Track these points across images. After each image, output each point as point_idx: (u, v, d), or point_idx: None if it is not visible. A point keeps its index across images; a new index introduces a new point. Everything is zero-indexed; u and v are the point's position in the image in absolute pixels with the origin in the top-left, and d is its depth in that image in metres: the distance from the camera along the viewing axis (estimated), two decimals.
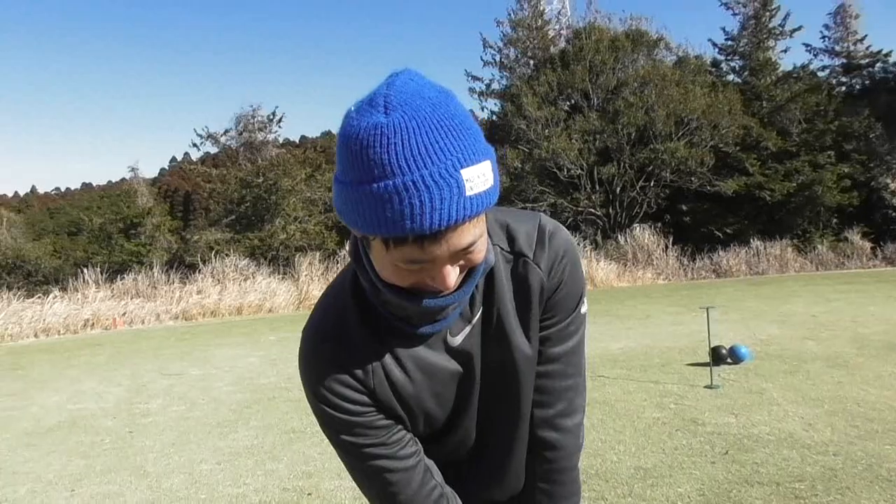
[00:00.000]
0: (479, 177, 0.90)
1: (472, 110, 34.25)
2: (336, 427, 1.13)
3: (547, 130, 26.20)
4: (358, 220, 0.92)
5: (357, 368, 1.09)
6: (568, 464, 1.25)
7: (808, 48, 30.11)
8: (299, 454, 5.24)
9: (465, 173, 0.88)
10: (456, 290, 1.01)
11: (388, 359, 1.10)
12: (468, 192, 0.89)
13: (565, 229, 1.19)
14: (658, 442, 4.89)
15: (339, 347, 1.10)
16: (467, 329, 1.12)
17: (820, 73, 29.60)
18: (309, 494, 4.42)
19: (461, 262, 0.98)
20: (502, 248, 1.13)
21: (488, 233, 1.07)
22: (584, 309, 1.20)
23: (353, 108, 0.93)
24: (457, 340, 1.12)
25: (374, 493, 1.20)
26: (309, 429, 5.90)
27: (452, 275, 0.97)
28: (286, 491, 4.51)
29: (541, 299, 1.14)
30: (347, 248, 1.12)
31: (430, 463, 1.21)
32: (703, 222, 26.15)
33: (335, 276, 1.21)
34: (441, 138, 0.88)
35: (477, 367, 1.15)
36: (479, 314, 1.13)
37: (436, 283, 0.98)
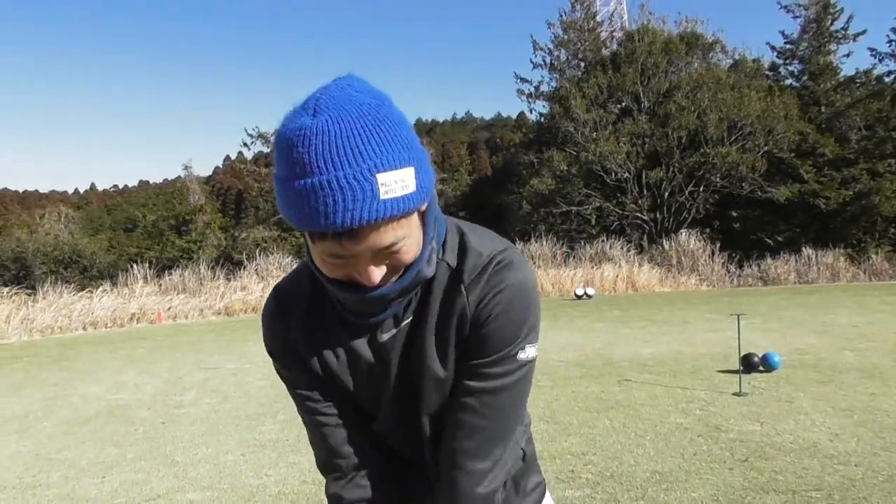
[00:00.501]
0: (397, 182, 0.94)
1: (522, 112, 34.23)
2: (279, 371, 1.28)
3: (595, 133, 25.99)
4: (287, 214, 0.99)
5: (295, 332, 1.21)
6: None
7: (873, 52, 29.15)
8: None
9: (381, 178, 0.93)
10: (390, 284, 1.06)
11: (322, 334, 1.20)
12: (382, 196, 0.93)
13: (526, 270, 1.15)
14: (678, 447, 4.83)
15: (286, 310, 1.23)
16: (394, 331, 1.17)
17: (884, 79, 28.60)
18: None
19: (387, 262, 1.03)
20: (448, 265, 1.15)
21: (444, 246, 1.15)
22: (522, 356, 1.15)
23: (290, 110, 0.99)
24: (384, 338, 1.18)
25: (308, 433, 1.31)
26: None
27: (377, 272, 1.02)
28: (305, 483, 4.60)
29: (459, 328, 1.14)
30: None
31: (363, 429, 1.28)
32: (754, 229, 25.55)
33: None
34: (361, 143, 0.92)
35: (392, 368, 1.19)
36: (408, 320, 1.17)
37: (361, 279, 1.03)
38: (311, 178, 0.92)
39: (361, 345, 1.19)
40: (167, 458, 5.34)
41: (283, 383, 1.31)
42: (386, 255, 1.01)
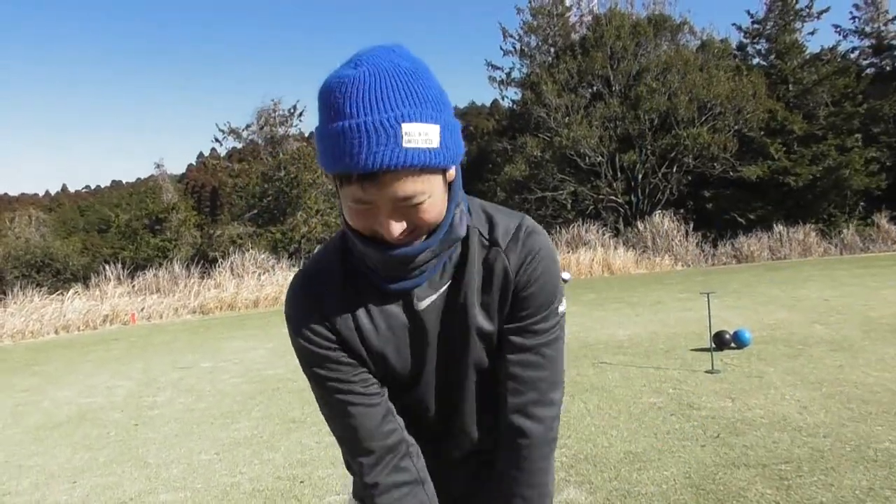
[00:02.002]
0: (421, 134, 1.01)
1: (495, 99, 34.20)
2: (308, 360, 1.25)
3: (567, 118, 26.02)
4: (322, 160, 1.06)
5: (329, 309, 1.22)
6: (537, 453, 1.27)
7: (838, 29, 29.51)
8: (296, 443, 5.30)
9: (406, 127, 1.00)
10: (416, 244, 1.12)
11: (359, 307, 1.22)
12: (405, 144, 1.00)
13: (545, 235, 1.26)
14: (651, 427, 4.87)
15: (318, 289, 1.23)
16: (433, 296, 1.22)
17: (849, 55, 28.93)
18: (301, 482, 4.48)
19: (409, 218, 1.08)
20: (481, 233, 1.23)
21: (470, 215, 1.23)
22: (561, 308, 1.26)
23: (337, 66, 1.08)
24: (422, 305, 1.22)
25: (337, 425, 1.28)
26: (309, 418, 5.96)
27: (396, 227, 1.08)
28: (279, 479, 4.57)
29: (504, 288, 1.22)
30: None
31: (393, 410, 1.29)
32: (727, 208, 25.78)
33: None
34: (391, 94, 1.01)
35: (433, 332, 1.24)
36: (446, 286, 1.22)
37: (382, 231, 1.08)
38: (343, 121, 1.00)
39: (400, 314, 1.23)
40: (139, 460, 5.27)
41: (299, 380, 1.35)
42: (406, 210, 1.07)
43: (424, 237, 1.12)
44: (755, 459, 4.05)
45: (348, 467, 1.33)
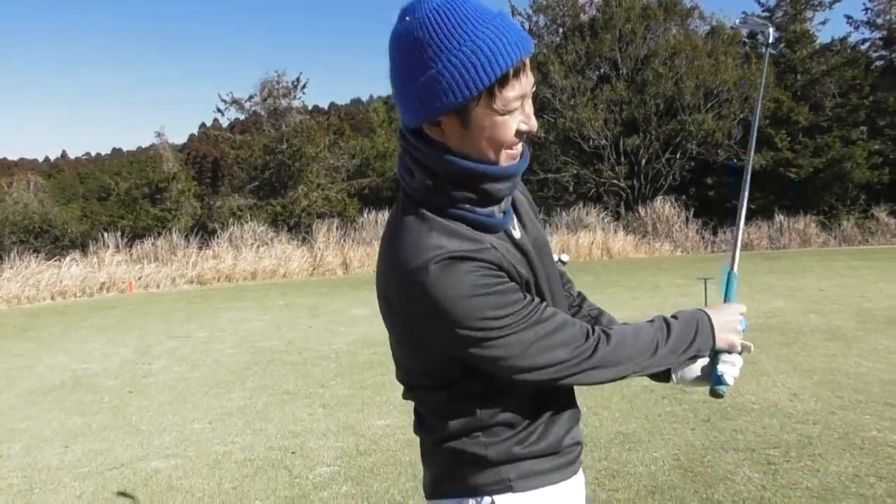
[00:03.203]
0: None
1: None
2: (492, 301, 1.13)
3: (573, 100, 25.84)
4: (476, 68, 1.07)
5: (481, 247, 1.15)
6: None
7: (849, 20, 29.19)
8: (289, 415, 5.34)
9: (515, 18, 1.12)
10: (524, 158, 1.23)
11: (495, 241, 1.19)
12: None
13: None
14: (643, 409, 4.90)
15: (461, 241, 1.14)
16: (518, 227, 1.30)
17: (859, 47, 28.69)
18: (293, 453, 4.51)
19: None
20: None
21: None
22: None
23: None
24: (517, 234, 1.27)
25: (535, 334, 1.17)
26: (302, 391, 6.00)
27: (533, 117, 1.19)
28: (271, 449, 4.60)
29: (534, 209, 1.42)
30: (415, 196, 1.21)
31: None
32: (729, 196, 25.71)
33: (389, 227, 1.25)
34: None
35: (535, 256, 1.27)
36: (514, 218, 1.30)
37: (529, 122, 1.17)
38: (498, 13, 1.12)
39: (514, 249, 1.24)
40: (132, 426, 5.31)
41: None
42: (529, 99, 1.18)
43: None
44: (744, 443, 4.08)
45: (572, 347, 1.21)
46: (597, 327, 1.26)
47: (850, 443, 3.96)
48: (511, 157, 1.18)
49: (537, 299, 1.21)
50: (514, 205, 1.31)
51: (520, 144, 1.19)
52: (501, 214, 1.22)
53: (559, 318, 1.20)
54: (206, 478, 4.20)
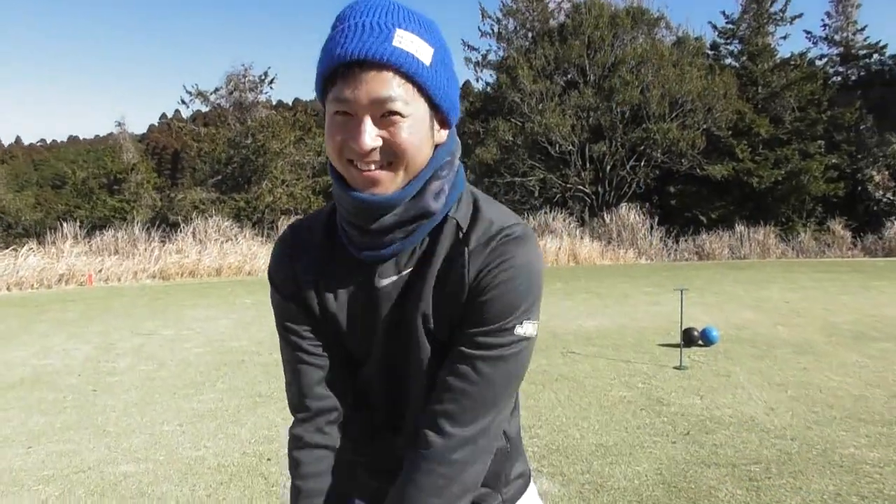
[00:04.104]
0: (413, 42, 1.02)
1: (467, 80, 34.12)
2: (274, 302, 1.27)
3: (541, 105, 26.00)
4: (316, 76, 1.07)
5: (300, 263, 1.22)
6: (426, 468, 1.12)
7: (809, 35, 30.01)
8: (263, 419, 5.21)
9: (400, 31, 1.02)
10: (388, 193, 1.07)
11: (327, 269, 1.20)
12: (394, 42, 1.01)
13: (534, 248, 1.14)
14: (622, 420, 4.91)
15: (297, 241, 1.24)
16: (394, 278, 1.15)
17: (817, 62, 29.52)
18: (268, 460, 4.40)
19: (384, 134, 1.03)
20: (459, 226, 1.13)
21: (457, 205, 1.15)
22: (520, 330, 1.11)
23: None
24: (382, 283, 1.16)
25: (286, 371, 1.28)
26: (275, 394, 5.87)
27: (368, 133, 1.03)
28: (245, 455, 4.48)
29: (457, 290, 1.12)
30: None
31: (337, 379, 1.25)
32: (690, 205, 26.17)
33: None
34: (396, 11, 1.04)
35: (384, 315, 1.17)
36: (409, 272, 1.15)
37: (353, 141, 1.03)
38: (343, 23, 1.04)
39: (360, 287, 1.18)
40: (98, 427, 5.12)
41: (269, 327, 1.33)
42: (383, 121, 1.03)
43: (392, 186, 1.07)
44: (725, 459, 4.11)
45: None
46: (302, 433, 1.24)
47: (829, 460, 4.01)
48: (351, 177, 1.08)
49: (301, 327, 1.23)
50: (420, 264, 1.14)
51: (359, 167, 1.06)
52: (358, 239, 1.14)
53: (287, 370, 1.27)
54: (178, 484, 4.06)
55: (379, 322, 1.18)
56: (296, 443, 1.25)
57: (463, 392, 1.11)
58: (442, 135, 1.12)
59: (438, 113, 1.09)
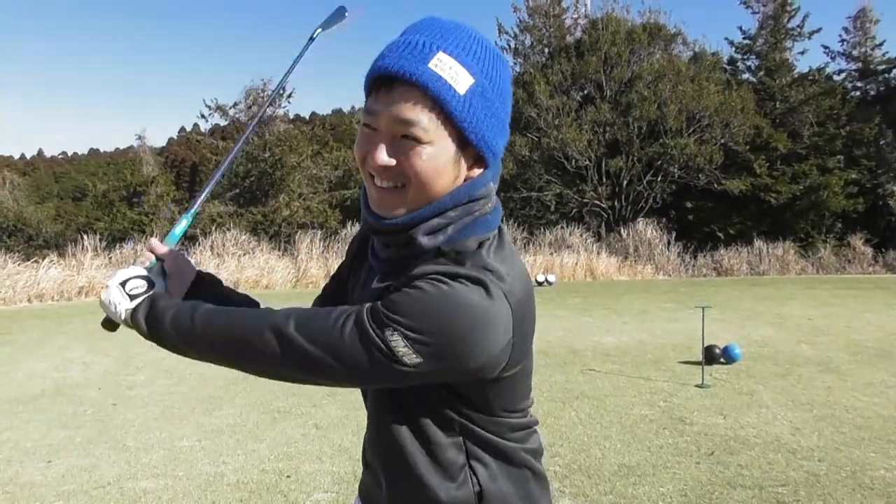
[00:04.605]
0: (452, 69, 1.00)
1: None
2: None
3: (557, 120, 26.00)
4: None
5: (351, 250, 1.39)
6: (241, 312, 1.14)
7: (826, 50, 29.84)
8: (282, 434, 5.19)
9: (441, 55, 1.00)
10: (392, 218, 1.07)
11: (357, 266, 1.33)
12: (431, 66, 0.99)
13: (488, 304, 1.01)
14: (644, 440, 4.83)
15: (354, 238, 1.41)
16: (382, 285, 1.14)
17: (836, 77, 29.33)
18: (288, 476, 4.37)
19: (400, 157, 1.02)
20: (442, 251, 1.08)
21: (465, 244, 1.07)
22: (392, 337, 0.99)
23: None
24: (376, 286, 1.16)
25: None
26: (294, 409, 5.85)
27: (384, 154, 1.02)
28: (265, 472, 4.45)
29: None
30: None
31: None
32: (708, 220, 25.99)
33: None
34: (452, 34, 1.03)
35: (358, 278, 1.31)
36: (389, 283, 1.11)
37: (371, 156, 1.03)
38: (401, 37, 1.04)
39: (365, 284, 1.23)
40: (118, 442, 5.12)
41: None
42: (401, 144, 1.02)
43: (403, 210, 1.05)
44: (751, 480, 4.03)
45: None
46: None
47: (859, 482, 3.93)
48: (369, 189, 1.09)
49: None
50: (396, 268, 1.11)
51: (375, 182, 1.05)
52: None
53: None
54: (197, 501, 4.04)
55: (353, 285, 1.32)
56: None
57: (319, 311, 1.07)
58: (474, 172, 1.08)
59: (469, 147, 1.05)
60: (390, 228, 1.08)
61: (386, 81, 1.00)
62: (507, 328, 1.03)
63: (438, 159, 1.02)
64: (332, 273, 1.47)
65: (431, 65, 0.98)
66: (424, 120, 1.00)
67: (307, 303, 1.37)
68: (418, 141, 1.00)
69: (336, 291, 1.39)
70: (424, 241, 1.07)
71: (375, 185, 1.06)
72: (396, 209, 1.06)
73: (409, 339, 0.99)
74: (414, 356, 0.99)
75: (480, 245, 1.09)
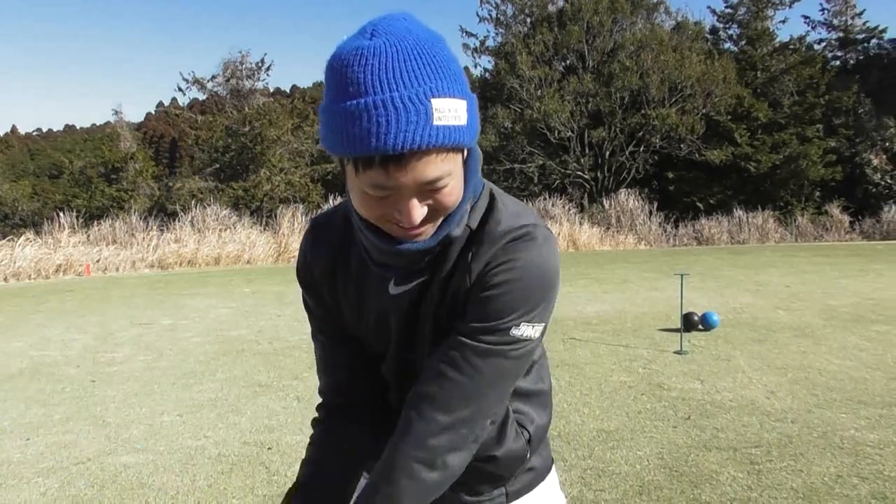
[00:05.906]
0: (451, 110, 0.94)
1: (466, 67, 33.93)
2: (302, 293, 1.31)
3: (540, 91, 25.94)
4: (332, 141, 0.96)
5: (320, 258, 1.23)
6: (406, 462, 1.09)
7: (807, 20, 29.91)
8: (263, 408, 5.19)
9: (436, 103, 0.92)
10: (423, 239, 1.05)
11: (341, 271, 1.22)
12: (435, 122, 0.92)
13: (547, 251, 1.09)
14: (623, 405, 4.89)
15: (318, 240, 1.25)
16: (409, 286, 1.14)
17: (816, 46, 29.44)
18: (269, 449, 4.38)
19: (429, 202, 1.00)
20: (469, 228, 1.11)
21: (474, 208, 1.11)
22: (516, 332, 1.08)
23: (344, 37, 0.99)
24: (394, 291, 1.15)
25: (317, 359, 1.33)
26: (275, 383, 5.86)
27: (418, 210, 0.99)
28: (246, 444, 4.46)
29: (462, 289, 1.11)
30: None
31: (362, 369, 1.28)
32: (689, 191, 26.17)
33: None
34: (417, 67, 0.92)
35: (398, 319, 1.18)
36: (423, 279, 1.13)
37: (401, 217, 1.00)
38: (365, 97, 0.91)
39: (373, 294, 1.19)
40: (98, 418, 5.10)
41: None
42: (428, 192, 0.99)
43: (432, 230, 1.06)
44: (726, 442, 4.10)
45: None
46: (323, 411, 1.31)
47: (830, 442, 4.00)
48: (391, 230, 1.05)
49: (323, 323, 1.28)
50: (432, 272, 1.13)
51: (400, 225, 1.03)
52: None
53: (317, 355, 1.33)
54: (178, 474, 4.04)
55: (392, 326, 1.19)
56: (316, 430, 1.33)
57: (450, 378, 1.09)
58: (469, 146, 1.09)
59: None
60: (423, 250, 1.07)
61: (394, 158, 0.93)
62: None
63: (459, 181, 1.03)
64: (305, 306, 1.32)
65: (435, 120, 0.92)
66: (448, 167, 0.97)
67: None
68: (445, 185, 0.99)
69: (336, 318, 1.26)
70: (457, 231, 1.09)
71: (400, 226, 1.02)
72: (427, 235, 1.05)
73: (528, 321, 1.09)
74: (539, 326, 1.11)
75: (491, 198, 1.14)
